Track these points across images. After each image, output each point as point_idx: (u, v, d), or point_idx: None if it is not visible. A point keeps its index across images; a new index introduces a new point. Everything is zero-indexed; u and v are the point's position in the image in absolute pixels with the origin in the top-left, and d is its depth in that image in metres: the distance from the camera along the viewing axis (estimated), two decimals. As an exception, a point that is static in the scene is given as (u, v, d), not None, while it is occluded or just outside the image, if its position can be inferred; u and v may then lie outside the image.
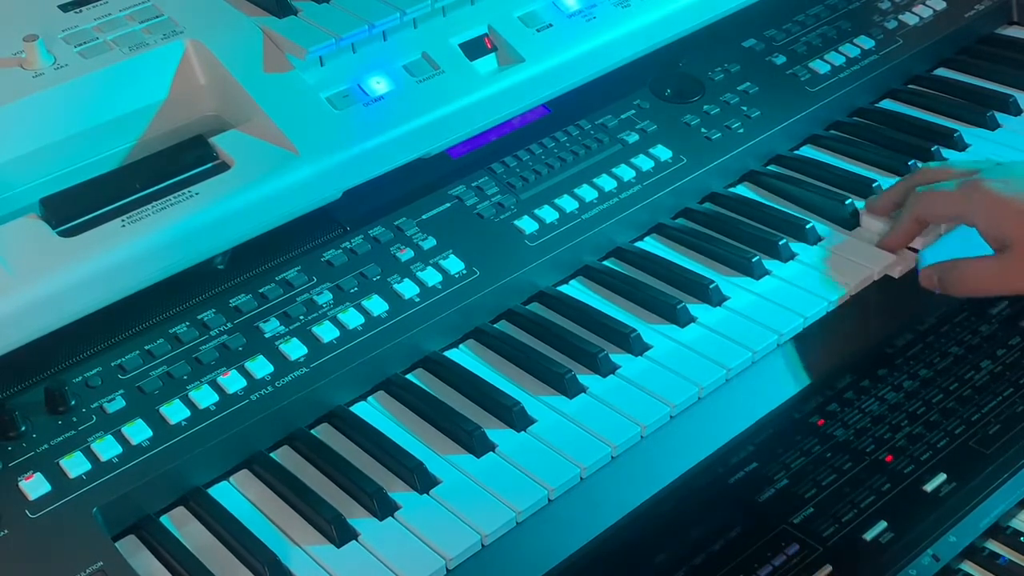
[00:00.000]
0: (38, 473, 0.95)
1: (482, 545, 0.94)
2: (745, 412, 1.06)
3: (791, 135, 1.35)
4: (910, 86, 1.46)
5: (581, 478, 0.98)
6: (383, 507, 0.96)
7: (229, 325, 1.07)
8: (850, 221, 1.23)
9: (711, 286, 1.14)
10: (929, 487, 1.12)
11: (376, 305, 1.09)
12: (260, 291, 1.10)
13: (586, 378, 1.06)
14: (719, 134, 1.31)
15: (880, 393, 1.22)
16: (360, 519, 0.95)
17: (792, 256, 1.19)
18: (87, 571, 0.89)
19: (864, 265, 1.17)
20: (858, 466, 1.15)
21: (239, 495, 0.99)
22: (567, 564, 0.96)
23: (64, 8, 1.16)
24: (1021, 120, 1.39)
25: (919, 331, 1.28)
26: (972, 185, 1.11)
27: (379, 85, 1.16)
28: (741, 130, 1.32)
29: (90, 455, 0.96)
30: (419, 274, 1.12)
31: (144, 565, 0.93)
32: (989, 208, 1.09)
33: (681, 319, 1.11)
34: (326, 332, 1.06)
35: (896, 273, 1.17)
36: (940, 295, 1.15)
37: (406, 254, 1.14)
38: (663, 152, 1.28)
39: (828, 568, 1.06)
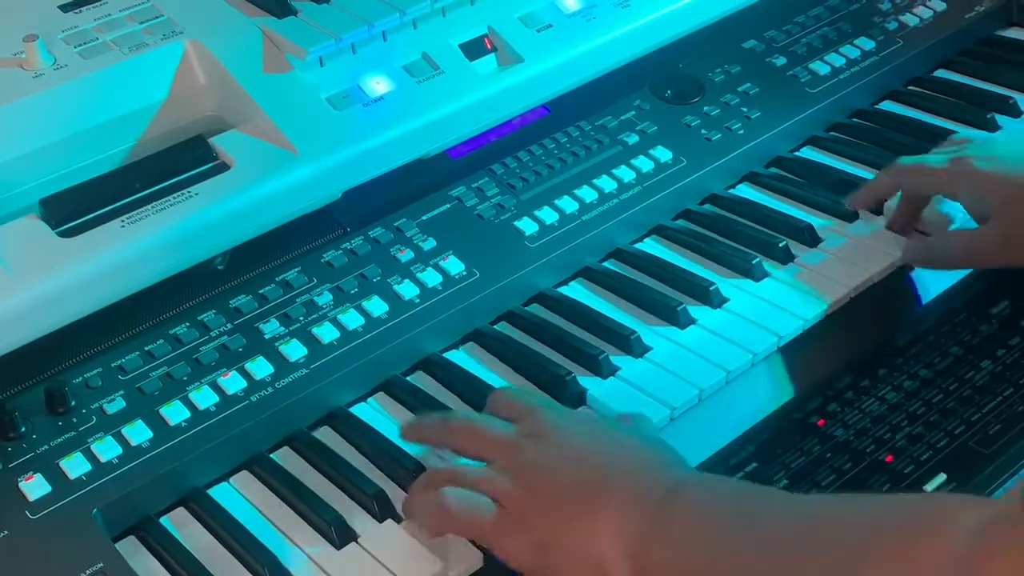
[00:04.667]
0: (38, 474, 0.95)
1: (482, 546, 0.94)
2: (745, 414, 1.06)
3: (791, 136, 1.35)
4: (910, 87, 1.46)
5: (581, 479, 0.98)
6: (383, 509, 0.95)
7: (229, 326, 1.07)
8: (851, 223, 1.23)
9: (711, 288, 1.14)
10: (929, 487, 1.12)
11: (376, 306, 1.09)
12: (260, 292, 1.10)
13: (586, 380, 1.06)
14: (719, 135, 1.31)
15: (880, 393, 1.22)
16: (360, 520, 0.95)
17: (792, 258, 1.19)
18: (87, 572, 0.89)
19: (864, 266, 1.17)
20: (858, 466, 1.15)
21: (239, 496, 0.99)
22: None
23: (64, 8, 1.16)
24: (1021, 122, 1.39)
25: (919, 331, 1.28)
26: (958, 162, 1.14)
27: (379, 85, 1.16)
28: (741, 131, 1.32)
29: (90, 456, 0.96)
30: (419, 275, 1.12)
31: (144, 566, 0.93)
32: (973, 183, 1.12)
33: (681, 321, 1.11)
34: (326, 333, 1.06)
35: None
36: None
37: (406, 255, 1.14)
38: (663, 153, 1.28)
39: (828, 569, 1.06)
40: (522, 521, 0.86)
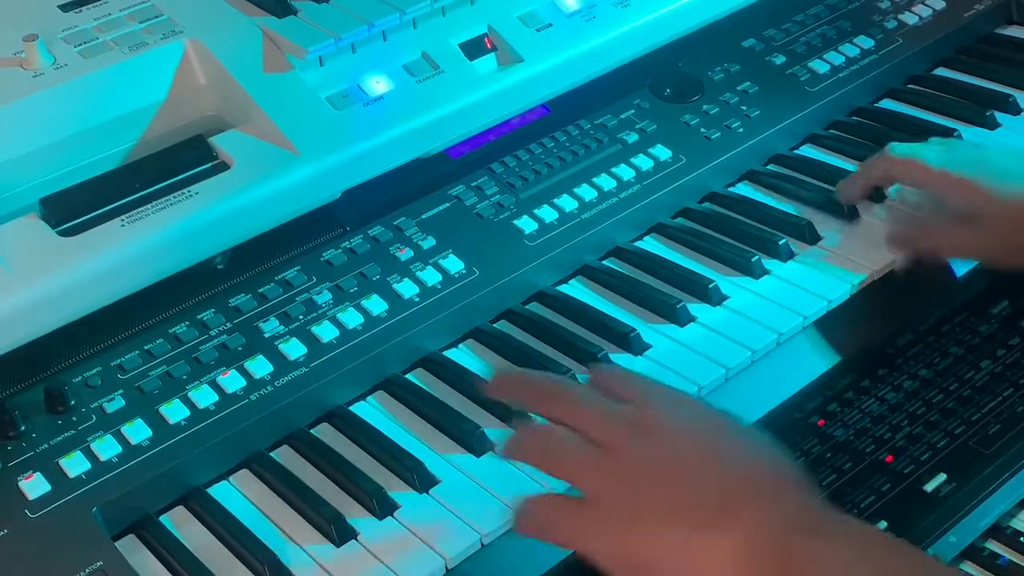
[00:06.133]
0: (38, 473, 0.95)
1: (481, 544, 0.94)
2: (744, 412, 1.06)
3: (791, 135, 1.35)
4: (910, 86, 1.46)
5: (581, 478, 0.98)
6: (383, 507, 0.96)
7: (229, 325, 1.07)
8: (850, 220, 1.23)
9: (711, 285, 1.14)
10: (929, 487, 1.12)
11: (376, 305, 1.09)
12: (260, 291, 1.10)
13: (586, 378, 1.06)
14: (718, 134, 1.31)
15: (880, 393, 1.22)
16: (359, 519, 0.95)
17: (792, 256, 1.19)
18: (87, 571, 0.89)
19: (864, 264, 1.17)
20: (858, 466, 1.15)
21: (239, 495, 0.99)
22: (567, 564, 0.96)
23: (64, 8, 1.16)
24: (1021, 119, 1.39)
25: (919, 331, 1.28)
26: (949, 167, 1.15)
27: (379, 85, 1.16)
28: (741, 130, 1.32)
29: (90, 455, 0.96)
30: (419, 274, 1.12)
31: (144, 565, 0.93)
32: (962, 192, 1.13)
33: (681, 318, 1.12)
34: (326, 332, 1.06)
35: (897, 266, 1.17)
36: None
37: (405, 254, 1.14)
38: (662, 152, 1.28)
39: (828, 568, 1.06)
40: (617, 523, 0.79)
